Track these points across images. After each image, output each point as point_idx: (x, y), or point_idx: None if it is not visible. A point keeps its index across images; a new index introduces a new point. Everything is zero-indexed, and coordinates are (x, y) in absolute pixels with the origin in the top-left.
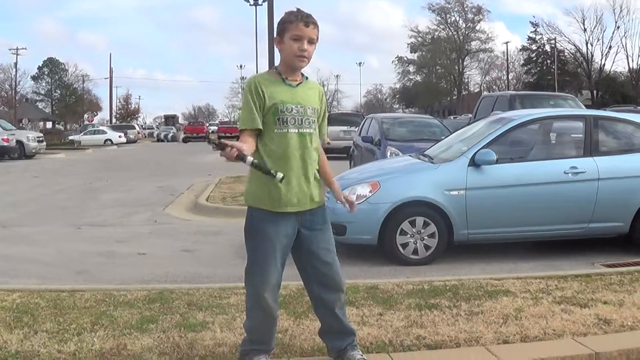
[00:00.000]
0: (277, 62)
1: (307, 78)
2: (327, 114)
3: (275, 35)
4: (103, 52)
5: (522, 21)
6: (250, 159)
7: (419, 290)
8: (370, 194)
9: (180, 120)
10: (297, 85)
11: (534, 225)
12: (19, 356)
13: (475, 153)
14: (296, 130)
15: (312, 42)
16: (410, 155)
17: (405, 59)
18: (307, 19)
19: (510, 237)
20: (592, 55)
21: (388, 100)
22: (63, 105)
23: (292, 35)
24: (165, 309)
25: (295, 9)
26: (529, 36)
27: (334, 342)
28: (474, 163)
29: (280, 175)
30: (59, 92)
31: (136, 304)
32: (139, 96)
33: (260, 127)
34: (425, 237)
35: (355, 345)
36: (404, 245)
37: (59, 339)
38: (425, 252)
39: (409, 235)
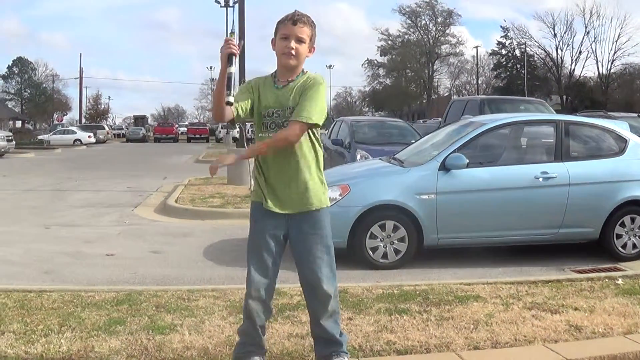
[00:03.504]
0: (247, 63)
1: (305, 73)
2: (313, 94)
3: (272, 37)
4: (70, 52)
5: (483, 26)
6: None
7: (389, 294)
8: (340, 197)
9: (150, 121)
10: (285, 86)
11: (504, 230)
12: None
13: (446, 157)
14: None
15: (300, 40)
16: (380, 159)
17: (375, 62)
18: (295, 18)
19: (480, 242)
20: (562, 61)
21: (357, 103)
22: (33, 104)
23: (281, 34)
24: (133, 311)
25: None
26: (498, 41)
27: (318, 347)
28: (445, 167)
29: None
30: (28, 91)
31: (104, 305)
32: (109, 97)
33: (231, 101)
34: (395, 241)
35: (340, 353)
36: (374, 249)
37: (26, 340)
38: (395, 256)
39: (378, 239)
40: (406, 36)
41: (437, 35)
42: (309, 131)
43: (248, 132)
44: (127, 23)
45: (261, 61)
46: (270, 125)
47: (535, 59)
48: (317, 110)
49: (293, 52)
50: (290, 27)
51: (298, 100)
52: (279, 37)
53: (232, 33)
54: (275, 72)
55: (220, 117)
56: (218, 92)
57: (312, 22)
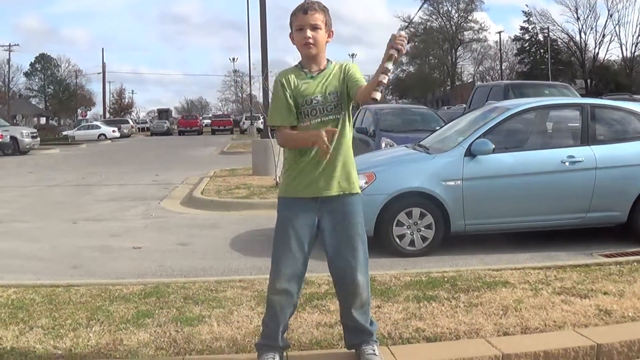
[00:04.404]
0: (270, 53)
1: (330, 62)
2: (355, 71)
3: (290, 32)
4: (91, 47)
5: (505, 12)
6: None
7: (417, 281)
8: (366, 185)
9: (174, 114)
10: (318, 74)
11: (531, 215)
12: (14, 352)
13: (472, 143)
14: (319, 120)
15: (315, 27)
16: (405, 146)
17: None
18: (305, 7)
19: (507, 227)
20: (586, 44)
21: (381, 91)
22: (56, 101)
23: (296, 26)
24: (161, 303)
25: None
26: (521, 26)
27: (348, 335)
28: (471, 153)
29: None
30: (52, 87)
31: (132, 298)
32: (132, 91)
33: (296, 123)
34: (422, 228)
35: (370, 341)
36: (401, 237)
37: (55, 335)
38: (422, 244)
39: (405, 227)
40: (428, 23)
41: (459, 22)
42: (347, 112)
43: None
44: (146, 17)
45: (282, 51)
46: (311, 112)
47: (559, 43)
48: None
49: (311, 40)
50: (302, 17)
51: (340, 85)
52: (295, 30)
53: (405, 27)
54: (300, 63)
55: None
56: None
57: (324, 7)
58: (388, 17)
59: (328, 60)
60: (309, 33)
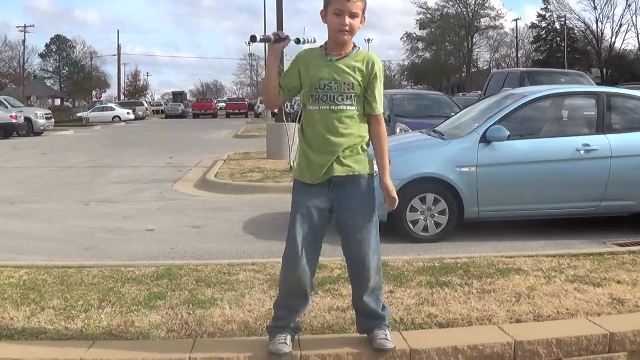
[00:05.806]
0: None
1: (358, 49)
2: (377, 83)
3: (322, 9)
4: (105, 29)
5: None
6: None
7: (430, 267)
8: None
9: (188, 97)
10: (340, 59)
11: (545, 202)
12: (25, 333)
13: (487, 129)
14: (327, 107)
15: (354, 15)
16: (420, 131)
17: (414, 35)
18: None
19: (521, 214)
20: (602, 33)
21: (396, 77)
22: (71, 82)
23: (334, 9)
24: (173, 286)
25: None
26: (538, 13)
27: (360, 320)
28: (485, 139)
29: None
30: (67, 69)
31: (144, 280)
32: (147, 73)
33: (279, 87)
34: (436, 214)
35: (382, 326)
36: (414, 222)
37: (66, 316)
38: (436, 229)
39: (419, 212)
40: (445, 9)
41: (476, 8)
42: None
43: (287, 107)
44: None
45: (295, 35)
46: (322, 97)
47: (575, 31)
48: (382, 101)
49: (347, 28)
50: (343, 3)
51: (361, 81)
52: (331, 12)
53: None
54: (325, 44)
55: (274, 104)
56: (268, 79)
57: None
58: (403, 2)
59: (354, 46)
60: (347, 20)
